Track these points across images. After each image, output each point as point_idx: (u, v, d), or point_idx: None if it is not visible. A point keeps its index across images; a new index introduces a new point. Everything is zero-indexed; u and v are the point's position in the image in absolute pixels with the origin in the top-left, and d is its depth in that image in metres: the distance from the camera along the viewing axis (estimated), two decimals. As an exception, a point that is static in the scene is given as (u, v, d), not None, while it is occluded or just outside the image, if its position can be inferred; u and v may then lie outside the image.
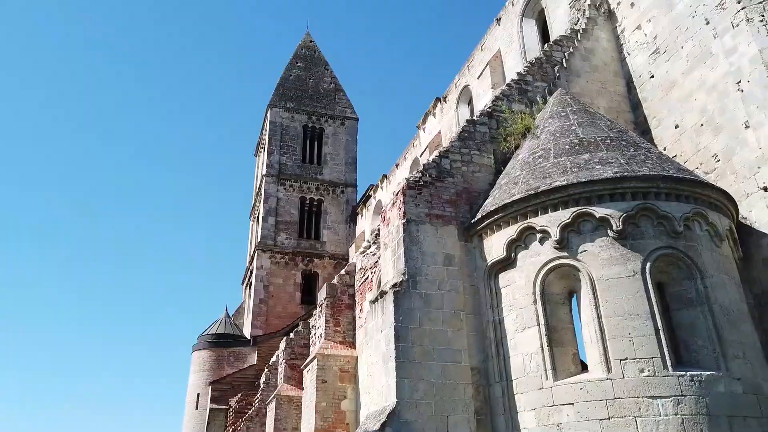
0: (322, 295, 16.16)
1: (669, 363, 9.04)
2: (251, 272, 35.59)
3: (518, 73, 14.89)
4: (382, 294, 11.12)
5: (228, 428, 24.82)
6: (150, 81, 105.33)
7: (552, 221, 10.37)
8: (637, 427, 8.72)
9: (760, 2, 11.90)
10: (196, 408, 29.26)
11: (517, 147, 13.04)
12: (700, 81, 13.11)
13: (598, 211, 10.09)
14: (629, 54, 15.62)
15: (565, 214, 10.28)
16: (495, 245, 11.09)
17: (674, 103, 13.84)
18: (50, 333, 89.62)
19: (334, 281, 16.35)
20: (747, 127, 11.77)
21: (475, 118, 13.53)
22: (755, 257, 11.30)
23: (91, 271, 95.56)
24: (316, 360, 14.84)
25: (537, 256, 10.49)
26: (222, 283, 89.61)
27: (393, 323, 10.38)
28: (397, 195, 11.91)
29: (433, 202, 11.81)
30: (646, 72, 14.95)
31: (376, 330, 11.26)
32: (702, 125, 12.95)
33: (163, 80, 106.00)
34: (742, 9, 12.10)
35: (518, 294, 10.54)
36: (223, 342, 30.51)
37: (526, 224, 10.68)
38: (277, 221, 36.27)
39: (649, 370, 9.01)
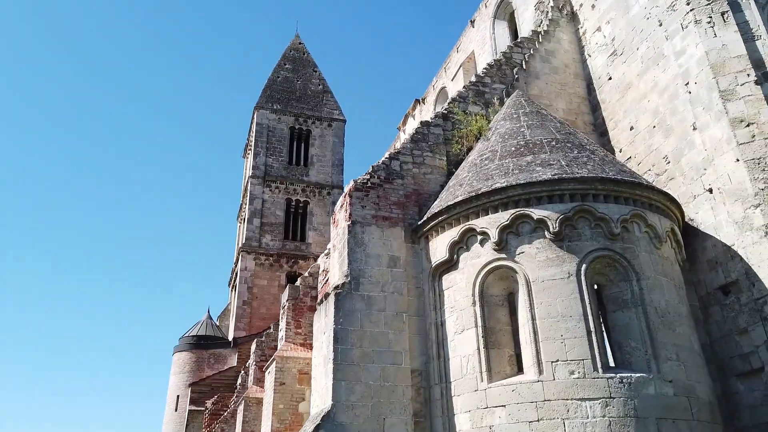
0: (284, 297, 16.12)
1: (599, 365, 9.01)
2: (236, 274, 35.60)
3: (476, 75, 14.91)
4: (326, 296, 11.12)
5: (204, 430, 24.78)
6: (138, 82, 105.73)
7: (492, 223, 10.36)
8: (564, 429, 8.70)
9: (708, 4, 11.88)
10: (176, 410, 29.24)
11: (470, 149, 13.04)
12: (653, 83, 13.09)
13: (536, 213, 10.07)
14: (590, 56, 15.60)
15: (504, 216, 10.27)
16: (439, 247, 11.08)
17: (630, 104, 13.83)
18: (34, 331, 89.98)
19: (297, 283, 16.32)
20: (695, 128, 11.74)
21: (429, 119, 13.54)
22: (700, 259, 11.27)
23: (81, 272, 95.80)
24: (275, 362, 14.80)
25: (477, 258, 10.48)
26: (210, 284, 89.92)
27: (333, 325, 10.38)
28: (344, 196, 11.92)
29: (380, 204, 11.80)
30: (604, 74, 14.93)
31: (320, 332, 11.25)
32: (654, 127, 12.92)
33: (151, 81, 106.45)
34: (691, 11, 12.08)
35: (459, 295, 10.52)
36: (204, 344, 30.48)
37: (467, 226, 10.67)
38: (263, 223, 36.21)
39: (579, 372, 8.99)
